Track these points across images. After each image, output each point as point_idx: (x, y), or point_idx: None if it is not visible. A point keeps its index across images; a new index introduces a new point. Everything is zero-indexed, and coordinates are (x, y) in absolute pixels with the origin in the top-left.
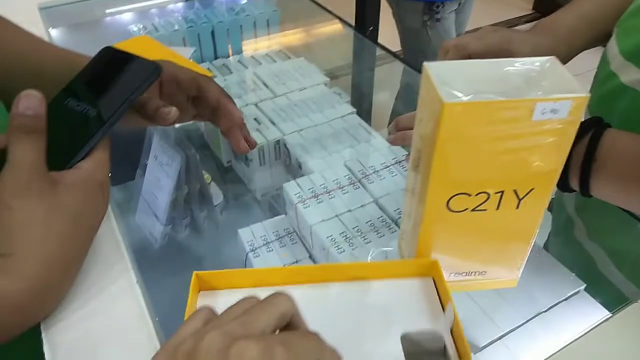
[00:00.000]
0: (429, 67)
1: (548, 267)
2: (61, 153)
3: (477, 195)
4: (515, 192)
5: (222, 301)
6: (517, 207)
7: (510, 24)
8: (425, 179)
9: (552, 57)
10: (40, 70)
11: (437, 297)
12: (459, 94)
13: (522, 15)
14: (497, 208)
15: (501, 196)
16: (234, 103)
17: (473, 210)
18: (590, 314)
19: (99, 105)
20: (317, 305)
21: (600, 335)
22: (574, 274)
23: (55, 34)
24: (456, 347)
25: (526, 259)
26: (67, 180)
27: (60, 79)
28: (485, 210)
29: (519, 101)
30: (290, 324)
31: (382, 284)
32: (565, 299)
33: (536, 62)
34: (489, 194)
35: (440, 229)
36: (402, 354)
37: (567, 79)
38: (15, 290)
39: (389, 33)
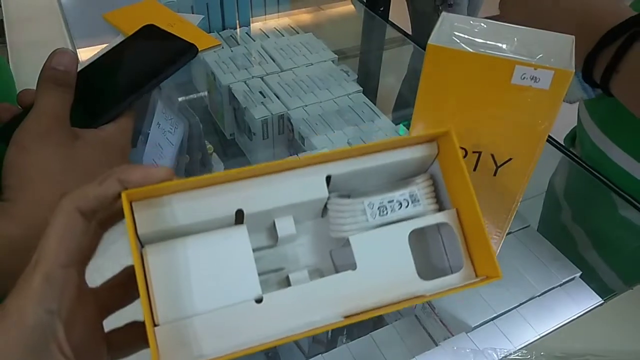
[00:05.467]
0: (445, 15)
1: (545, 253)
2: (88, 114)
3: None
4: (493, 157)
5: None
6: (495, 174)
7: None
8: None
9: (570, 37)
10: None
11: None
12: (451, 42)
13: None
14: (475, 169)
15: (478, 157)
16: None
17: None
18: (582, 300)
19: (132, 75)
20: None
21: (589, 321)
22: (569, 261)
23: None
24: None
25: (503, 237)
26: (88, 137)
27: None
28: None
29: (498, 59)
30: None
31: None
32: (560, 285)
33: (551, 36)
34: (466, 151)
35: None
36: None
37: (565, 55)
38: (12, 235)
39: (399, 17)
